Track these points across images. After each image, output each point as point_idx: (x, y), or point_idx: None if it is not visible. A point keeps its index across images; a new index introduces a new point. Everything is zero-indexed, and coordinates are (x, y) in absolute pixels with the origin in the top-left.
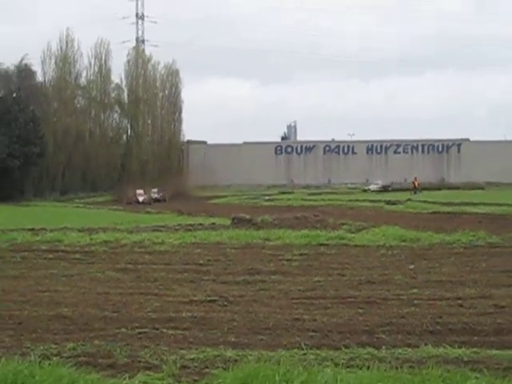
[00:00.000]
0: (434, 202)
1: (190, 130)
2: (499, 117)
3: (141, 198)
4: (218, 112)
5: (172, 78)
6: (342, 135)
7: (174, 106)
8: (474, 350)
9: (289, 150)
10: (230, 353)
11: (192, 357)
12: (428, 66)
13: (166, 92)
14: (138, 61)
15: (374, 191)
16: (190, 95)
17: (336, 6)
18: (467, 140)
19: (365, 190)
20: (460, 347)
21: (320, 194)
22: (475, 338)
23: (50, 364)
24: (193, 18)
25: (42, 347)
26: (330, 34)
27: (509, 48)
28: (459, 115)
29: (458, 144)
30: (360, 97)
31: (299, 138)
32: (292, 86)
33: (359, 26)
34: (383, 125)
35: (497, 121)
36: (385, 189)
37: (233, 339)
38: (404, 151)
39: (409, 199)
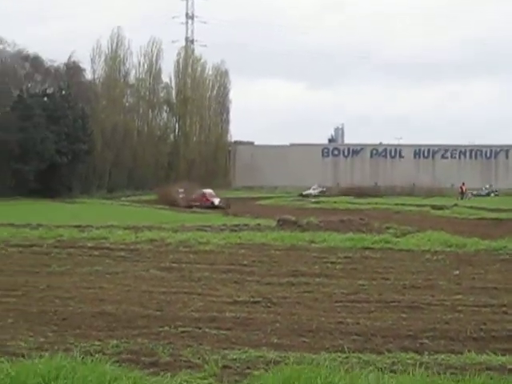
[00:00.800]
0: (481, 208)
1: (238, 131)
2: None
3: (216, 201)
4: (266, 113)
5: (221, 78)
6: (389, 139)
7: (222, 107)
8: None
9: (336, 152)
10: (272, 354)
11: (234, 357)
12: (480, 71)
13: (215, 92)
14: (188, 61)
15: (315, 195)
16: (239, 96)
17: (388, 7)
18: None
19: (304, 195)
20: (504, 355)
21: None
22: None
23: (92, 360)
24: (243, 19)
25: (85, 344)
26: (382, 37)
27: None
28: (510, 121)
29: (507, 150)
30: (409, 101)
31: (346, 140)
32: (341, 89)
33: (410, 29)
34: (432, 129)
35: None
36: (322, 193)
37: (275, 341)
38: (452, 156)
39: (455, 204)
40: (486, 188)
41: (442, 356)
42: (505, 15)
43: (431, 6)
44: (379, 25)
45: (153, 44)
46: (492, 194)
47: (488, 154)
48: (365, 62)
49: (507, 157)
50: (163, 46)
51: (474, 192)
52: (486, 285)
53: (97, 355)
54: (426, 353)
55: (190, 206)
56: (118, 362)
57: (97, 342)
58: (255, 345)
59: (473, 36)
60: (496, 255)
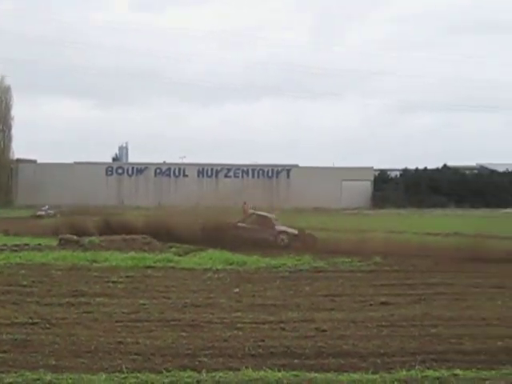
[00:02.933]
0: None
1: (23, 149)
2: (329, 144)
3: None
4: (53, 131)
5: (2, 94)
6: (174, 158)
7: (3, 124)
8: (294, 373)
9: (120, 171)
10: (49, 376)
11: (10, 380)
12: (263, 93)
13: None
14: None
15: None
16: (25, 113)
17: (179, 29)
18: (296, 166)
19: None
20: (280, 370)
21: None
22: (296, 360)
23: None
24: (31, 36)
25: None
26: (169, 57)
27: (342, 77)
28: (292, 141)
29: (288, 169)
30: (195, 121)
31: (131, 159)
32: (127, 108)
33: (200, 50)
34: (219, 149)
35: (327, 148)
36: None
37: (53, 362)
38: (235, 175)
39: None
40: None
41: (220, 373)
42: (295, 41)
43: (221, 29)
44: (168, 45)
45: None
46: None
47: (270, 174)
48: (152, 82)
49: (288, 176)
50: None
51: None
52: (266, 302)
53: None
54: (204, 371)
55: None
56: None
57: None
58: (32, 367)
59: (257, 58)
60: (276, 273)
